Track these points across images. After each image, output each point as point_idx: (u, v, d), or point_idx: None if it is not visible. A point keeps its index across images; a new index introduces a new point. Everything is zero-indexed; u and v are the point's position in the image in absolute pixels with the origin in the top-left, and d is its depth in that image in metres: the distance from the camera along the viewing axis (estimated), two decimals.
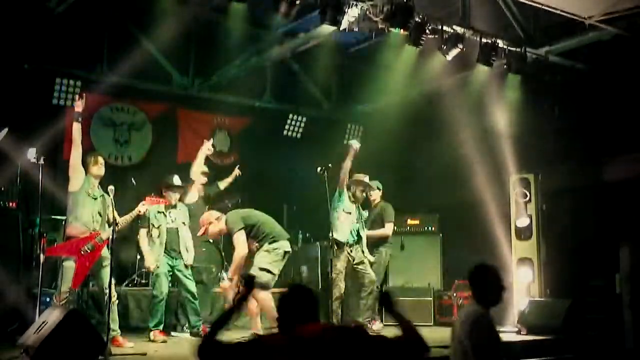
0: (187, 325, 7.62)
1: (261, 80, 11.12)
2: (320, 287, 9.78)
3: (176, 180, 7.64)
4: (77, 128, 6.56)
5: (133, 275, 8.99)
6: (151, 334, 7.16)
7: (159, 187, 7.59)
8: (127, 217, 6.72)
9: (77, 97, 6.75)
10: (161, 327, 7.29)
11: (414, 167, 10.92)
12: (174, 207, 7.59)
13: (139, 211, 6.77)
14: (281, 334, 3.35)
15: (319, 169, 7.65)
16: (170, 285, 7.52)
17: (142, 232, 7.44)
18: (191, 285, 7.48)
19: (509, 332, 8.10)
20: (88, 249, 6.34)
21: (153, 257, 7.30)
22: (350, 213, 7.99)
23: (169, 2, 8.18)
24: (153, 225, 7.38)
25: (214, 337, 3.31)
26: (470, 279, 4.45)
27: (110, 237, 6.19)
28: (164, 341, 7.10)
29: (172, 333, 7.63)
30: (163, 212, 7.45)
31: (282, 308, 3.42)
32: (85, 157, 6.64)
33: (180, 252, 7.46)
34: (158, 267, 7.30)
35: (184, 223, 7.62)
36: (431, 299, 9.24)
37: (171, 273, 7.43)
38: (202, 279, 9.13)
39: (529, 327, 8.03)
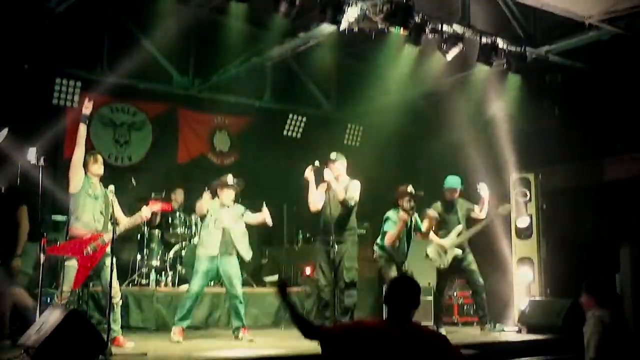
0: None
1: (261, 80, 11.13)
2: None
3: (230, 179, 7.45)
4: (83, 129, 6.55)
5: (133, 275, 9.00)
6: (173, 328, 7.13)
7: (212, 187, 7.44)
8: (131, 221, 6.70)
9: (85, 99, 6.69)
10: (185, 324, 7.18)
11: (413, 167, 10.91)
12: (227, 207, 7.40)
13: (142, 217, 6.74)
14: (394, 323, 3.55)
15: (316, 164, 7.60)
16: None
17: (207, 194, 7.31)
18: (233, 288, 7.28)
19: (509, 332, 8.10)
20: (90, 250, 6.34)
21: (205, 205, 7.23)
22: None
23: (169, 2, 8.18)
24: (212, 215, 7.26)
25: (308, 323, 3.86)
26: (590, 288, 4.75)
27: (111, 237, 6.17)
28: (178, 341, 7.03)
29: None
30: (222, 207, 7.31)
31: (391, 297, 3.62)
32: (84, 156, 6.63)
33: (226, 250, 7.27)
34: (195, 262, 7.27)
35: (235, 222, 7.41)
36: (431, 298, 9.23)
37: (214, 274, 7.36)
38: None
39: (529, 327, 8.04)
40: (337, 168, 7.49)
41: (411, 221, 7.86)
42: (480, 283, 8.16)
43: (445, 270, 8.22)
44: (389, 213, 7.81)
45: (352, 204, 7.35)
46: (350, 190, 7.39)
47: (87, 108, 6.57)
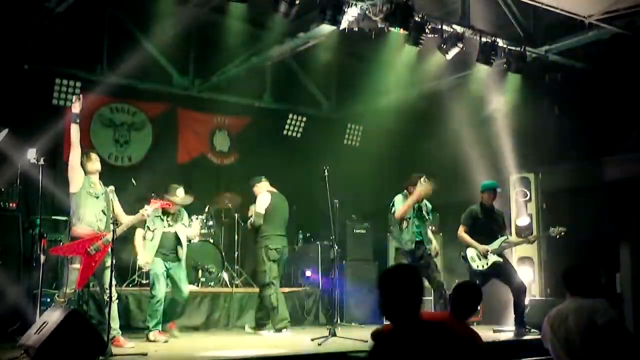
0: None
1: (261, 80, 11.12)
2: (320, 287, 9.79)
3: (180, 195, 7.55)
4: (75, 129, 6.50)
5: (133, 275, 9.00)
6: (150, 334, 7.16)
7: (161, 194, 7.53)
8: (132, 219, 6.69)
9: (73, 98, 6.70)
10: (160, 327, 7.29)
11: (413, 167, 10.88)
12: (174, 213, 7.57)
13: (143, 214, 6.74)
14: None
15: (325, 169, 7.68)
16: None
17: (138, 232, 7.47)
18: (184, 289, 7.50)
19: (509, 332, 8.10)
20: (94, 249, 6.33)
21: (146, 256, 7.34)
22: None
23: (168, 2, 8.18)
24: (148, 228, 7.39)
25: None
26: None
27: (111, 237, 6.17)
28: (166, 341, 7.11)
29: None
30: (160, 217, 7.45)
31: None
32: (82, 159, 6.61)
33: (176, 255, 7.48)
34: (150, 267, 7.33)
35: (184, 225, 7.64)
36: (431, 298, 9.22)
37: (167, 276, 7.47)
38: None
39: (530, 327, 8.03)
40: (255, 191, 8.33)
41: (425, 210, 7.85)
42: (520, 285, 7.92)
43: (480, 273, 7.97)
44: (396, 197, 7.80)
45: (252, 219, 8.08)
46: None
47: (76, 107, 6.54)
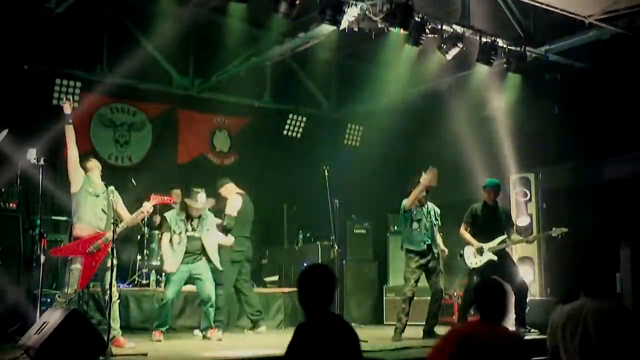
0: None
1: (261, 80, 11.12)
2: None
3: (201, 200, 7.49)
4: (69, 130, 6.52)
5: (133, 275, 9.01)
6: (152, 334, 7.20)
7: (183, 202, 7.53)
8: (133, 217, 6.66)
9: (64, 99, 6.70)
10: (164, 328, 7.29)
11: (413, 167, 10.89)
12: (198, 217, 7.50)
13: (144, 212, 6.72)
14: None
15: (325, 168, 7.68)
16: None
17: (165, 237, 7.44)
18: (208, 289, 7.41)
19: None
20: (94, 249, 6.33)
21: (174, 263, 7.28)
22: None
23: (168, 2, 8.18)
24: (174, 232, 7.36)
25: None
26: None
27: (112, 237, 6.16)
28: (159, 340, 7.11)
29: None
30: (183, 220, 7.42)
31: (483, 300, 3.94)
32: (82, 161, 6.62)
33: (200, 255, 7.43)
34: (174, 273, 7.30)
35: (208, 230, 7.55)
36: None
37: (187, 277, 7.41)
38: None
39: (530, 326, 8.03)
40: (223, 192, 8.25)
41: (432, 214, 7.87)
42: (521, 285, 7.86)
43: (476, 270, 7.91)
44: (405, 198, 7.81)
45: (225, 222, 7.94)
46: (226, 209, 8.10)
47: (67, 108, 6.55)
